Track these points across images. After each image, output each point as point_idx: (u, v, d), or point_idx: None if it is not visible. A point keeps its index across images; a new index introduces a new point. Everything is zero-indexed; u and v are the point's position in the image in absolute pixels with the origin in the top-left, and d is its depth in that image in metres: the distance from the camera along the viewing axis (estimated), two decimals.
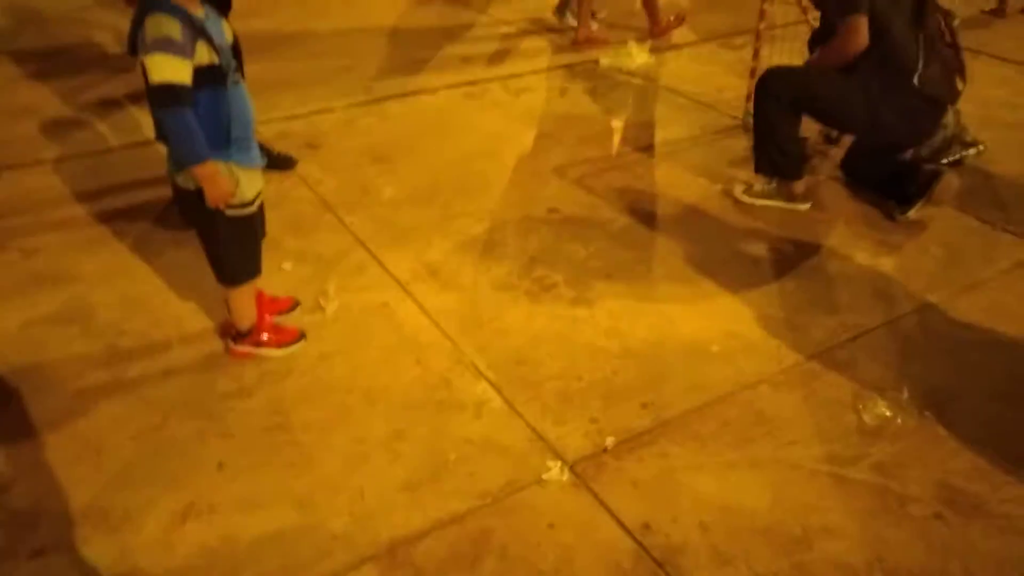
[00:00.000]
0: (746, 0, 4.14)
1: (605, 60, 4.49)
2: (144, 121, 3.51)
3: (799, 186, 3.06)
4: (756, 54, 3.69)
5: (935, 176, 2.89)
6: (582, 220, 2.98)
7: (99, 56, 4.49)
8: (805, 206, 3.05)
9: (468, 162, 3.40)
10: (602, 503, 1.85)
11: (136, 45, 1.93)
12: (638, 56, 4.49)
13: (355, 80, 4.20)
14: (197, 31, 1.87)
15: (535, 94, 4.11)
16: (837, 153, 3.40)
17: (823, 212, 3.06)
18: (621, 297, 2.56)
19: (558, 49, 4.73)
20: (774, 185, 3.07)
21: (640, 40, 4.71)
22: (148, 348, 2.31)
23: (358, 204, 3.07)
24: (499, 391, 2.17)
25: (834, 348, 2.34)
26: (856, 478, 1.91)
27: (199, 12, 1.91)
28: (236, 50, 2.10)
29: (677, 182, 3.26)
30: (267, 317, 2.33)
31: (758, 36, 3.69)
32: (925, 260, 2.77)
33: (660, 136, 3.67)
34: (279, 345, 2.28)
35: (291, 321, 2.41)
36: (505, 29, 5.00)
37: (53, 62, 4.36)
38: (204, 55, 1.89)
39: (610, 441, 2.01)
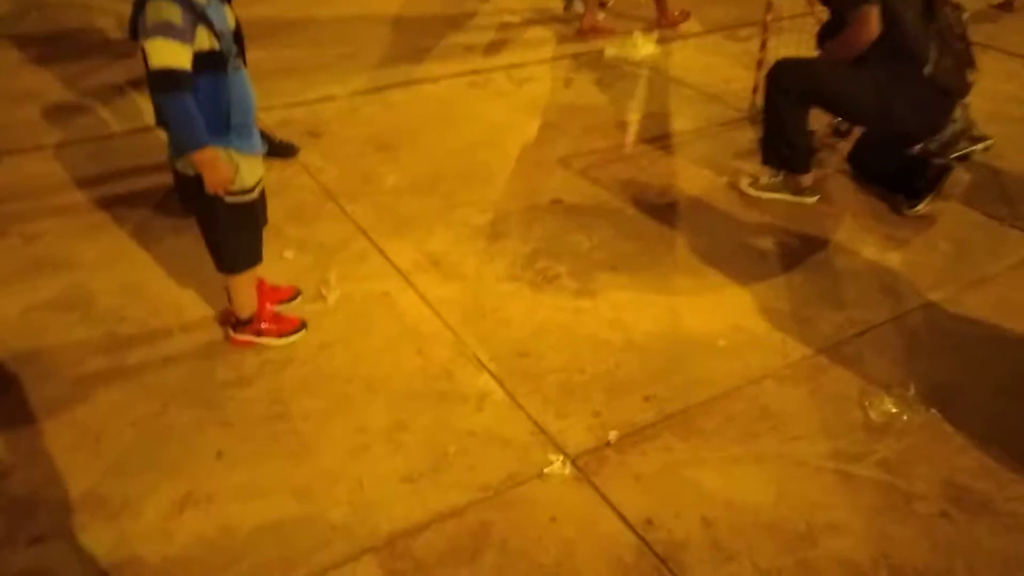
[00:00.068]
0: None
1: (610, 50, 4.45)
2: (145, 107, 3.48)
3: (806, 179, 3.03)
4: (763, 46, 3.65)
5: (944, 171, 2.87)
6: (586, 211, 2.96)
7: (101, 41, 4.45)
8: (812, 199, 3.03)
9: (471, 152, 3.37)
10: (604, 497, 1.83)
11: (137, 30, 1.90)
12: (644, 47, 4.45)
13: (358, 68, 4.16)
14: (198, 16, 1.85)
15: (539, 84, 4.08)
16: (844, 146, 3.37)
17: (830, 206, 3.03)
18: (625, 289, 2.53)
19: (563, 39, 4.69)
20: (781, 178, 3.05)
21: (646, 30, 4.67)
22: (148, 335, 2.29)
23: (360, 193, 3.04)
24: (501, 383, 2.15)
25: (841, 343, 2.32)
26: (862, 475, 1.90)
27: None
28: (238, 36, 2.07)
29: (682, 174, 3.24)
30: (268, 306, 2.31)
31: (765, 28, 3.65)
32: (933, 255, 2.75)
33: (666, 127, 3.63)
34: (279, 334, 2.26)
35: (292, 310, 2.39)
36: (509, 18, 4.96)
37: (55, 47, 4.33)
38: (204, 40, 1.86)
39: (613, 435, 1.99)
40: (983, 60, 2.96)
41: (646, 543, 1.72)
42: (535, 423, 2.03)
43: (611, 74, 4.21)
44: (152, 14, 1.81)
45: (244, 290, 2.23)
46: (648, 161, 3.34)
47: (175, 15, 1.81)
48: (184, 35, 1.82)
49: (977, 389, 2.16)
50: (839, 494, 1.85)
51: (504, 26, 4.87)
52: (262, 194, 2.17)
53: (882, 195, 3.06)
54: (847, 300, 2.51)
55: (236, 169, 2.01)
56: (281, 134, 3.35)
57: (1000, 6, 5.17)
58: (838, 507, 1.81)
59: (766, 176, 3.08)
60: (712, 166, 3.28)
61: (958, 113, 3.06)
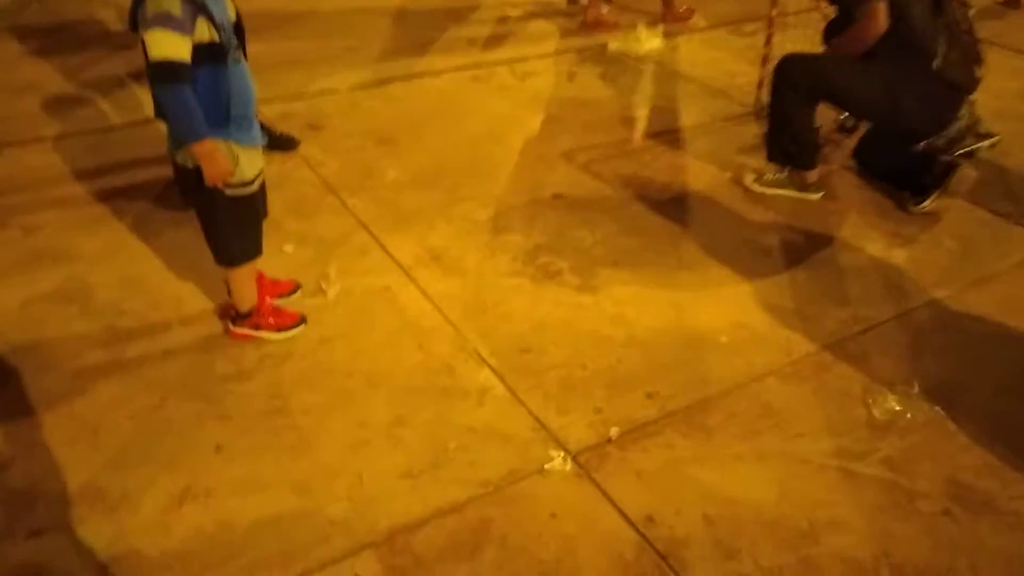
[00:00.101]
0: None
1: (614, 44, 4.43)
2: (145, 99, 3.46)
3: (811, 176, 3.01)
4: (768, 41, 3.63)
5: (951, 168, 2.85)
6: (589, 206, 2.94)
7: (101, 33, 4.43)
8: (817, 196, 3.01)
9: (474, 146, 3.35)
10: (605, 494, 1.82)
11: (137, 21, 1.88)
12: (648, 41, 4.42)
13: (360, 61, 4.14)
14: (198, 7, 1.83)
15: (542, 78, 4.05)
16: (850, 143, 3.34)
17: (835, 202, 3.01)
18: (627, 285, 2.52)
19: (566, 33, 4.66)
20: (786, 174, 3.03)
21: (650, 25, 4.64)
22: (147, 329, 2.28)
23: (361, 187, 3.03)
24: (502, 378, 2.14)
25: (844, 340, 2.30)
26: (865, 473, 1.88)
27: None
28: (239, 28, 2.05)
29: (686, 169, 3.22)
30: (267, 300, 2.30)
31: (770, 23, 3.62)
32: (938, 253, 2.73)
33: (669, 122, 3.61)
34: (278, 329, 2.25)
35: (292, 304, 2.38)
36: (512, 11, 4.93)
37: (55, 39, 4.31)
38: (204, 32, 1.85)
39: (614, 431, 1.98)
40: (989, 57, 2.93)
41: (647, 540, 1.71)
42: (536, 419, 2.02)
43: (615, 68, 4.18)
44: (152, 5, 1.80)
45: (243, 283, 2.21)
46: (651, 156, 3.32)
47: (175, 6, 1.79)
48: (183, 26, 1.80)
49: (981, 387, 2.15)
50: (842, 492, 1.83)
51: (507, 20, 4.84)
52: (262, 187, 2.16)
53: (887, 192, 3.04)
54: (851, 297, 2.49)
55: (236, 161, 2.00)
56: (282, 127, 3.33)
57: (1006, 3, 5.13)
58: (840, 505, 1.80)
59: (771, 172, 3.06)
60: (716, 162, 3.26)
61: (964, 109, 3.04)
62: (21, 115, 3.49)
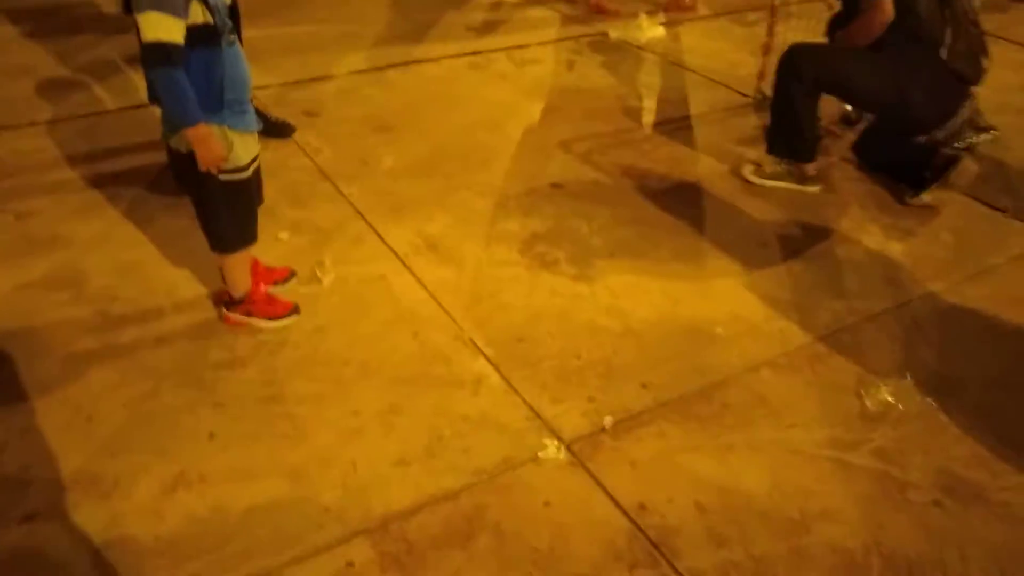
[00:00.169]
0: None
1: (614, 33, 4.40)
2: (140, 84, 3.45)
3: (811, 168, 3.00)
4: (770, 31, 3.61)
5: (952, 161, 2.84)
6: (586, 196, 2.93)
7: (95, 16, 4.40)
8: (815, 188, 3.00)
9: (471, 134, 3.34)
10: (598, 482, 1.82)
11: (130, 3, 1.87)
12: (648, 29, 4.40)
13: (357, 47, 4.12)
14: None
15: (542, 66, 4.03)
16: (849, 135, 3.33)
17: (833, 194, 3.01)
18: (624, 275, 2.52)
19: (566, 20, 4.64)
20: (785, 166, 3.02)
21: (651, 13, 4.62)
22: (141, 315, 2.28)
23: (357, 174, 3.02)
24: (497, 367, 2.14)
25: (839, 332, 2.30)
26: (856, 463, 1.89)
27: None
28: (234, 11, 2.04)
29: (685, 160, 3.21)
30: (261, 287, 2.29)
31: (773, 12, 3.60)
32: (935, 246, 2.73)
33: (669, 112, 3.60)
34: (270, 317, 2.24)
35: (287, 292, 2.37)
36: None
37: (49, 22, 4.28)
38: (198, 14, 1.83)
39: (608, 421, 1.98)
40: (992, 50, 2.93)
41: (639, 528, 1.72)
42: (531, 408, 2.02)
43: (615, 57, 4.16)
44: None
45: (237, 269, 2.21)
46: (650, 146, 3.31)
47: None
48: (177, 8, 1.78)
49: (973, 380, 2.16)
50: (833, 482, 1.84)
51: (506, 6, 4.81)
52: (257, 173, 2.14)
53: (886, 184, 3.04)
54: (848, 289, 2.49)
55: (230, 147, 1.98)
56: (277, 113, 3.31)
57: None
58: (832, 495, 1.81)
59: (770, 164, 3.05)
60: (715, 153, 3.25)
61: (965, 102, 3.03)
62: (14, 99, 3.46)
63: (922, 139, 3.04)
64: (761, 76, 3.65)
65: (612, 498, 1.79)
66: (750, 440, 1.95)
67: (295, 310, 2.28)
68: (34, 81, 3.62)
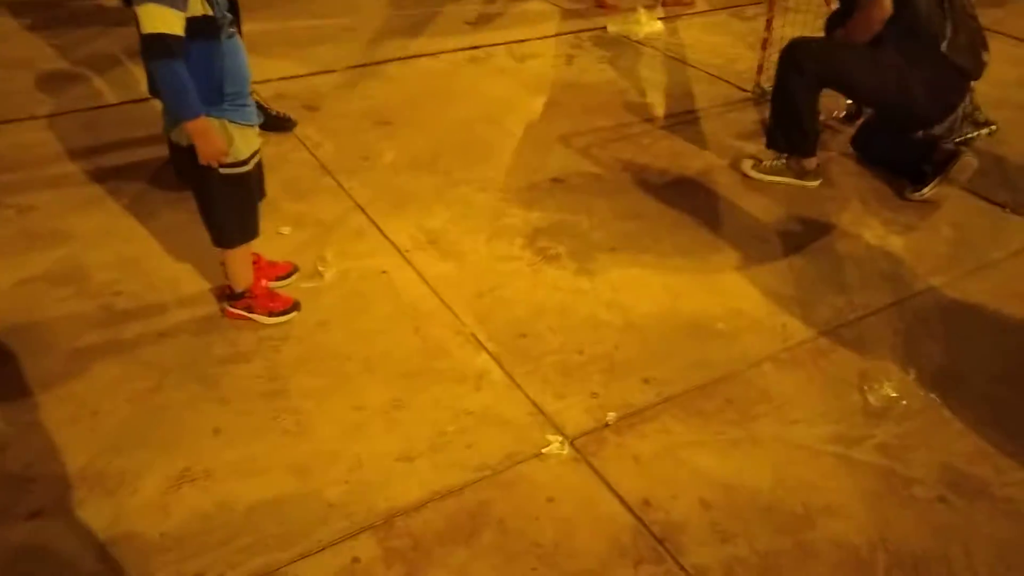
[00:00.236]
0: None
1: (613, 27, 4.40)
2: (141, 77, 3.43)
3: (810, 163, 3.00)
4: (768, 25, 3.61)
5: (952, 156, 2.84)
6: (587, 191, 2.93)
7: (96, 9, 4.38)
8: (815, 183, 3.00)
9: (471, 128, 3.33)
10: (602, 478, 1.83)
11: None
12: (647, 24, 4.39)
13: (356, 41, 4.10)
14: None
15: (541, 60, 4.02)
16: (848, 130, 3.34)
17: (833, 189, 3.01)
18: (625, 270, 2.52)
19: (566, 15, 4.62)
20: (784, 161, 3.02)
21: (650, 7, 4.61)
22: (144, 310, 2.27)
23: (358, 168, 3.01)
24: (499, 363, 2.14)
25: (841, 327, 2.31)
26: (860, 459, 1.90)
27: None
28: (233, 4, 2.03)
29: (684, 154, 3.21)
30: (263, 282, 2.28)
31: (771, 7, 3.60)
32: (935, 241, 2.74)
33: (668, 107, 3.59)
34: (270, 313, 2.23)
35: (289, 287, 2.37)
36: None
37: (49, 15, 4.25)
38: (198, 6, 1.83)
39: (611, 416, 1.98)
40: (990, 45, 2.93)
41: (644, 524, 1.73)
42: (533, 403, 2.02)
43: (614, 52, 4.16)
44: None
45: (239, 264, 2.20)
46: (650, 141, 3.30)
47: None
48: (177, 1, 1.78)
49: (976, 375, 2.16)
50: (837, 478, 1.85)
51: (507, 1, 4.80)
52: (259, 167, 2.14)
53: (886, 179, 3.04)
54: (848, 284, 2.50)
55: (230, 140, 1.98)
56: (277, 107, 3.30)
57: None
58: (836, 491, 1.82)
59: (769, 159, 3.05)
60: (714, 147, 3.25)
61: (965, 97, 3.03)
62: (14, 92, 3.45)
63: (920, 134, 3.04)
64: (760, 71, 3.65)
65: (616, 494, 1.79)
66: (753, 435, 1.95)
67: (295, 306, 2.28)
68: (34, 74, 3.60)
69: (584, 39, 4.30)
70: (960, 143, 3.13)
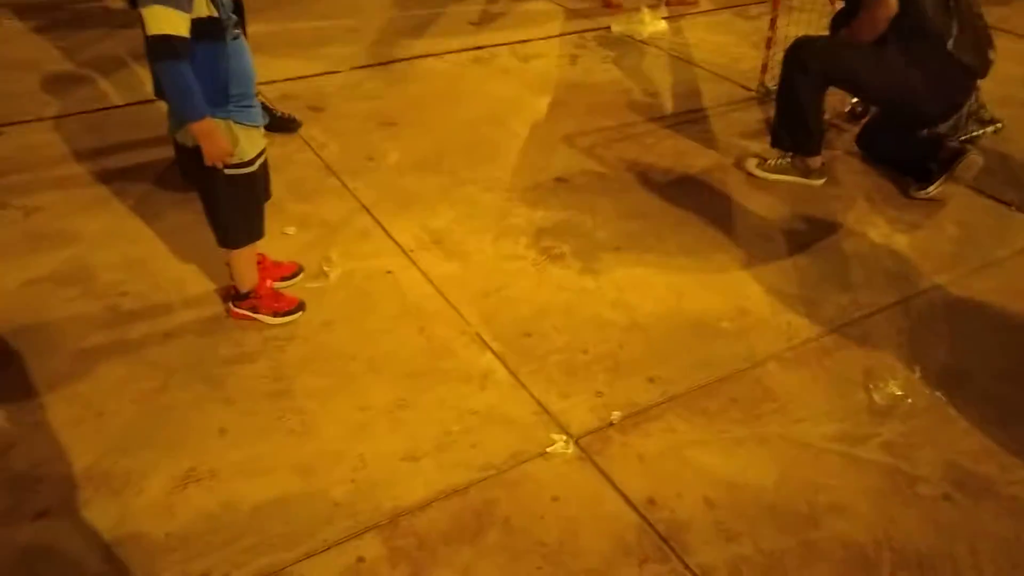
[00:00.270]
0: None
1: (617, 27, 4.40)
2: (146, 79, 3.44)
3: (815, 162, 2.99)
4: (773, 24, 3.60)
5: (959, 154, 2.83)
6: (591, 190, 2.93)
7: (101, 11, 4.40)
8: (819, 182, 3.00)
9: (476, 129, 3.34)
10: (607, 477, 1.83)
11: None
12: (651, 24, 4.39)
13: (361, 42, 4.11)
14: None
15: (545, 61, 4.03)
16: (853, 128, 3.33)
17: (838, 188, 3.00)
18: (630, 269, 2.52)
19: (570, 15, 4.63)
20: (789, 160, 3.01)
21: (654, 7, 4.61)
22: (149, 310, 2.28)
23: (363, 169, 3.02)
24: (504, 362, 2.14)
25: (846, 326, 2.30)
26: (865, 457, 1.89)
27: None
28: (238, 5, 2.04)
29: (689, 154, 3.20)
30: (267, 283, 2.29)
31: (775, 5, 3.59)
32: (940, 239, 2.73)
33: (672, 106, 3.59)
34: (275, 313, 2.24)
35: (294, 287, 2.37)
36: None
37: (54, 17, 4.27)
38: (203, 8, 1.83)
39: (616, 415, 1.98)
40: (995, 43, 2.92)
41: (648, 523, 1.72)
42: (538, 402, 2.02)
43: (618, 52, 4.16)
44: None
45: (244, 265, 2.21)
46: (654, 140, 3.30)
47: None
48: (182, 2, 1.78)
49: (982, 373, 2.16)
50: (842, 476, 1.84)
51: (511, 1, 4.80)
52: (264, 168, 2.14)
53: (891, 177, 3.03)
54: (853, 282, 2.49)
55: (236, 141, 1.98)
56: (282, 108, 3.31)
57: None
58: (841, 489, 1.81)
59: (774, 158, 3.05)
60: (719, 146, 3.25)
61: (972, 95, 3.02)
62: (20, 94, 3.46)
63: (925, 132, 3.03)
64: (764, 69, 3.64)
65: (621, 493, 1.79)
66: (758, 434, 1.95)
67: (300, 307, 2.28)
68: (40, 76, 3.62)
69: (588, 39, 4.30)
70: (965, 141, 3.12)
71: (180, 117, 1.94)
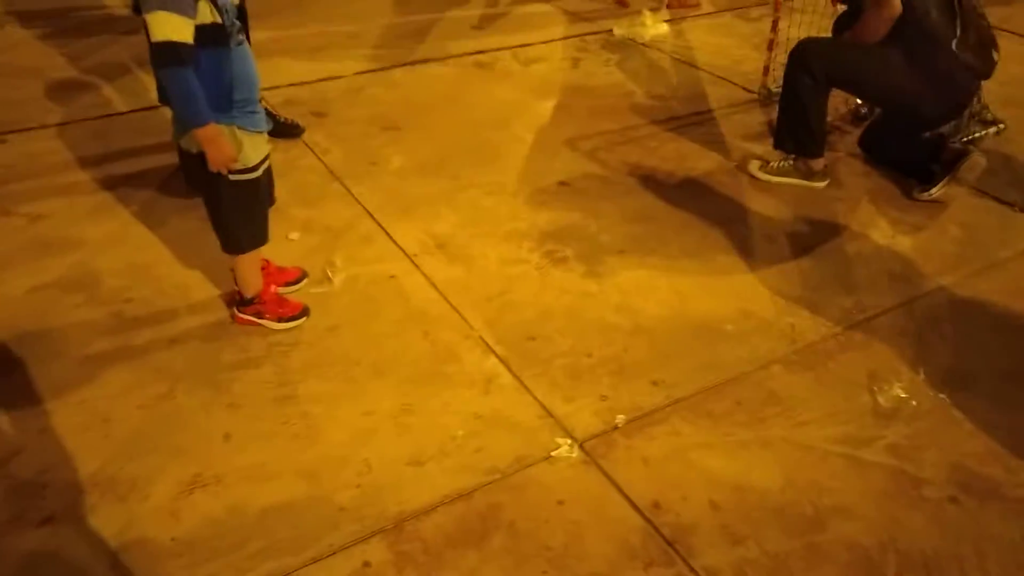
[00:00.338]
0: None
1: (619, 30, 4.40)
2: (151, 85, 3.46)
3: (818, 164, 2.99)
4: (774, 26, 3.60)
5: (961, 155, 2.83)
6: (594, 194, 2.93)
7: (105, 18, 4.41)
8: (822, 184, 3.00)
9: (478, 133, 3.34)
10: (612, 481, 1.83)
11: (140, 3, 1.87)
12: (653, 26, 4.39)
13: (363, 48, 4.12)
14: None
15: (547, 64, 4.03)
16: (856, 130, 3.33)
17: (841, 190, 3.00)
18: (633, 272, 2.52)
19: (571, 18, 4.63)
20: (792, 162, 3.01)
21: (655, 10, 4.61)
22: (154, 316, 2.29)
23: (366, 174, 3.02)
24: (508, 366, 2.15)
25: (850, 328, 2.30)
26: (870, 460, 1.89)
27: None
28: (241, 11, 2.05)
29: (691, 156, 3.21)
30: (272, 288, 2.30)
31: (777, 7, 3.59)
32: (943, 240, 2.73)
33: (674, 109, 3.60)
34: (280, 318, 2.25)
35: (298, 292, 2.38)
36: None
37: (59, 24, 4.29)
38: (207, 14, 1.84)
39: (620, 419, 1.98)
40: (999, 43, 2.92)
41: (654, 526, 1.73)
42: (542, 406, 2.03)
43: (619, 55, 4.16)
44: None
45: (249, 270, 2.21)
46: (656, 143, 3.31)
47: None
48: (185, 8, 1.79)
49: (986, 375, 2.15)
50: (847, 479, 1.84)
51: (512, 5, 4.81)
52: (268, 173, 2.15)
53: (894, 179, 3.03)
54: (857, 285, 2.49)
55: (240, 147, 1.99)
56: (285, 114, 3.32)
57: None
58: (846, 492, 1.81)
59: (776, 160, 3.05)
60: (721, 149, 3.25)
61: (975, 96, 3.02)
62: (24, 101, 3.48)
63: (927, 133, 3.03)
64: (766, 72, 3.64)
65: (626, 496, 1.79)
66: (763, 437, 1.95)
67: (305, 312, 2.29)
68: (44, 83, 3.63)
69: (590, 42, 4.30)
70: (968, 142, 3.12)
71: (184, 123, 1.95)
